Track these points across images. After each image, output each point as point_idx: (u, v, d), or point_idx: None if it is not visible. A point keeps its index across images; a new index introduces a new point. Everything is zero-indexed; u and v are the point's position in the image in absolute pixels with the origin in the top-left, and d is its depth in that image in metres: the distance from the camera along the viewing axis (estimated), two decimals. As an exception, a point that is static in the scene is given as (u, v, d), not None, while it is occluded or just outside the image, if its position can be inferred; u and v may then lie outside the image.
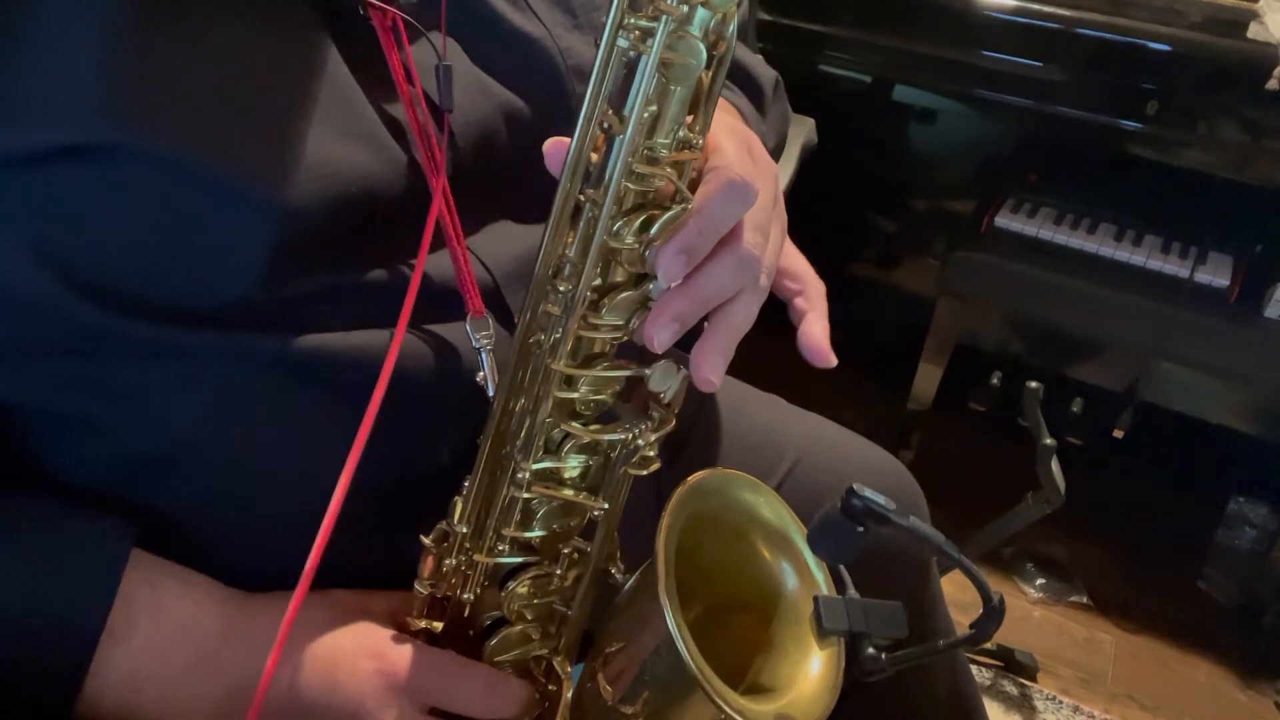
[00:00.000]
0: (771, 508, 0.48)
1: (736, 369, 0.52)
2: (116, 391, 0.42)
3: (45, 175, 0.39)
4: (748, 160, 0.47)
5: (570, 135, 0.42)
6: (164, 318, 0.41)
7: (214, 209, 0.41)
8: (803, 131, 1.38)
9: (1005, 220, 1.51)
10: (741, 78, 0.68)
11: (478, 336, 0.47)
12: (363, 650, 0.45)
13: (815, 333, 0.54)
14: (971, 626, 0.46)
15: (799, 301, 0.57)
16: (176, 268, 0.41)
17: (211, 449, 0.44)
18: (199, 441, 0.44)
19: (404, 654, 0.46)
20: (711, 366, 0.45)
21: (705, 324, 0.46)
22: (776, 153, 0.67)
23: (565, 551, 0.48)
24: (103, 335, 0.41)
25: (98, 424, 0.43)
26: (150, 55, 0.39)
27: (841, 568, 0.47)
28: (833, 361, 0.54)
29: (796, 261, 0.60)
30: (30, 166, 0.38)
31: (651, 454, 0.45)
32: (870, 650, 0.45)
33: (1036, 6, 1.42)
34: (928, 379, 1.64)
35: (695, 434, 0.70)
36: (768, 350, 0.48)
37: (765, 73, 0.70)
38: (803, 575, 0.47)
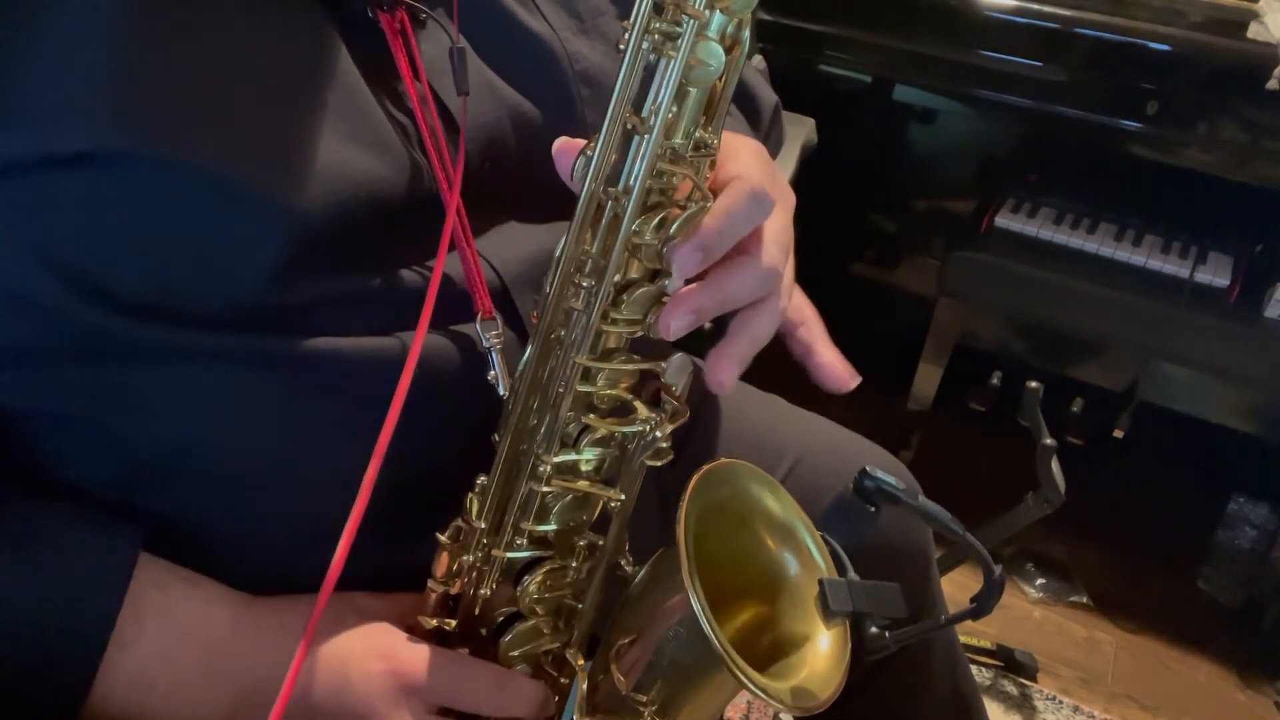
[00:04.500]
0: (775, 497, 0.49)
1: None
2: (124, 396, 0.42)
3: (55, 182, 0.39)
4: (768, 174, 0.48)
5: (576, 137, 0.43)
6: (173, 322, 0.41)
7: (224, 214, 0.41)
8: (803, 131, 1.38)
9: (1005, 220, 1.51)
10: (743, 99, 0.68)
11: (487, 336, 0.47)
12: (373, 651, 0.46)
13: (831, 359, 0.54)
14: (972, 600, 0.48)
15: (801, 332, 0.56)
16: (186, 272, 0.41)
17: (219, 453, 0.44)
18: (207, 446, 0.44)
19: (414, 654, 0.46)
20: (726, 371, 0.46)
21: (706, 329, 0.47)
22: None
23: (580, 545, 0.49)
24: (111, 340, 0.41)
25: (106, 429, 0.43)
26: (159, 61, 0.39)
27: (841, 551, 0.48)
28: (855, 381, 0.54)
29: (795, 293, 0.60)
30: (40, 173, 0.39)
31: (666, 445, 0.46)
32: (874, 629, 0.46)
33: (1036, 6, 1.42)
34: (928, 379, 1.64)
35: (696, 434, 0.70)
36: (767, 350, 0.48)
37: (766, 97, 0.71)
38: (805, 561, 0.48)
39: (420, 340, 0.43)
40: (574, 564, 0.49)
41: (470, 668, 0.48)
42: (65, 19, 0.38)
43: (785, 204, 0.51)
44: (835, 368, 0.54)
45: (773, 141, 0.72)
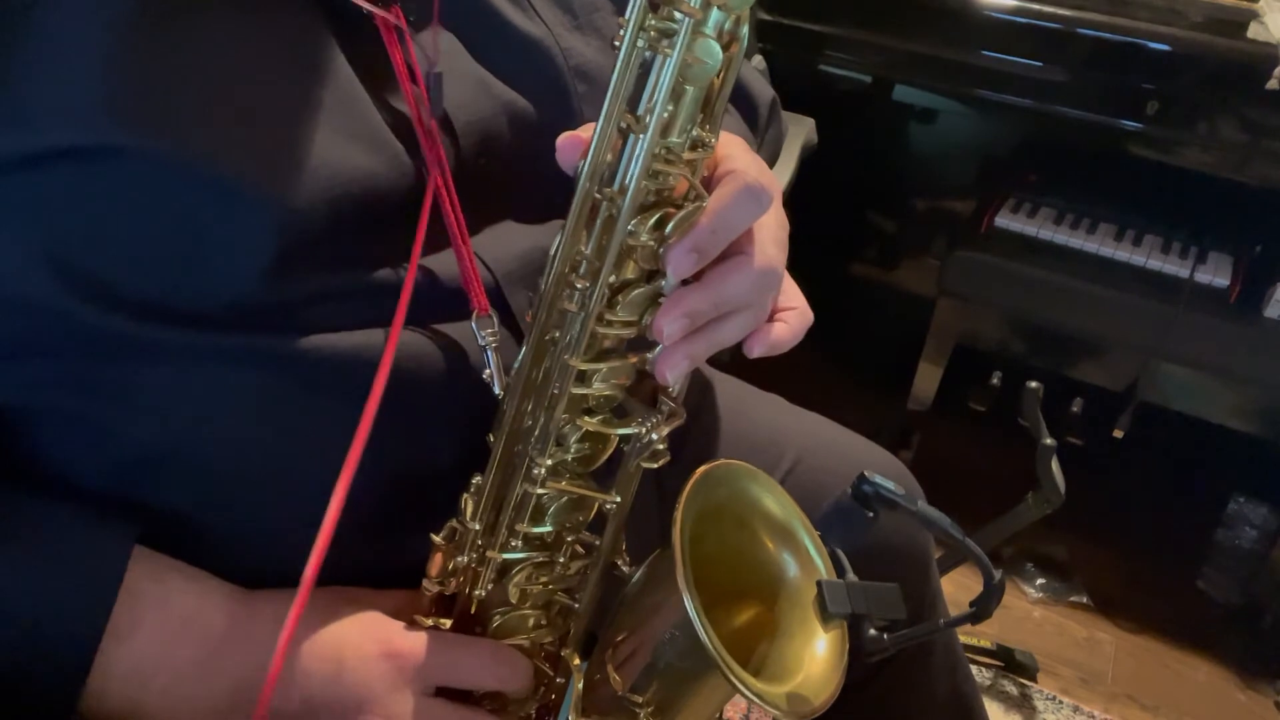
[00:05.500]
0: (774, 498, 0.48)
1: (737, 369, 0.52)
2: (119, 392, 0.42)
3: (49, 177, 0.39)
4: (757, 168, 0.47)
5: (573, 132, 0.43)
6: (166, 319, 0.41)
7: (217, 211, 0.41)
8: (803, 131, 1.38)
9: (1005, 220, 1.51)
10: (738, 97, 0.68)
11: (483, 334, 0.47)
12: (368, 637, 0.46)
13: (775, 330, 0.50)
14: (972, 604, 0.48)
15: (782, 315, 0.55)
16: (178, 269, 0.41)
17: (215, 449, 0.44)
18: (202, 441, 0.44)
19: (410, 639, 0.46)
20: (674, 365, 0.44)
21: None
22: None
23: (574, 545, 0.49)
24: (104, 336, 0.41)
25: (100, 424, 0.43)
26: (154, 57, 0.39)
27: (840, 553, 0.48)
28: (756, 354, 0.51)
29: (790, 288, 0.59)
30: (34, 168, 0.39)
31: (662, 447, 0.46)
32: (872, 631, 0.46)
33: (1036, 6, 1.42)
34: (928, 379, 1.64)
35: (696, 434, 0.70)
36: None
37: (762, 92, 0.70)
38: (804, 562, 0.48)
39: (395, 337, 0.43)
40: (562, 559, 0.48)
41: (464, 644, 0.48)
42: (60, 15, 0.38)
43: (774, 197, 0.50)
44: (767, 335, 0.50)
45: (771, 137, 0.72)
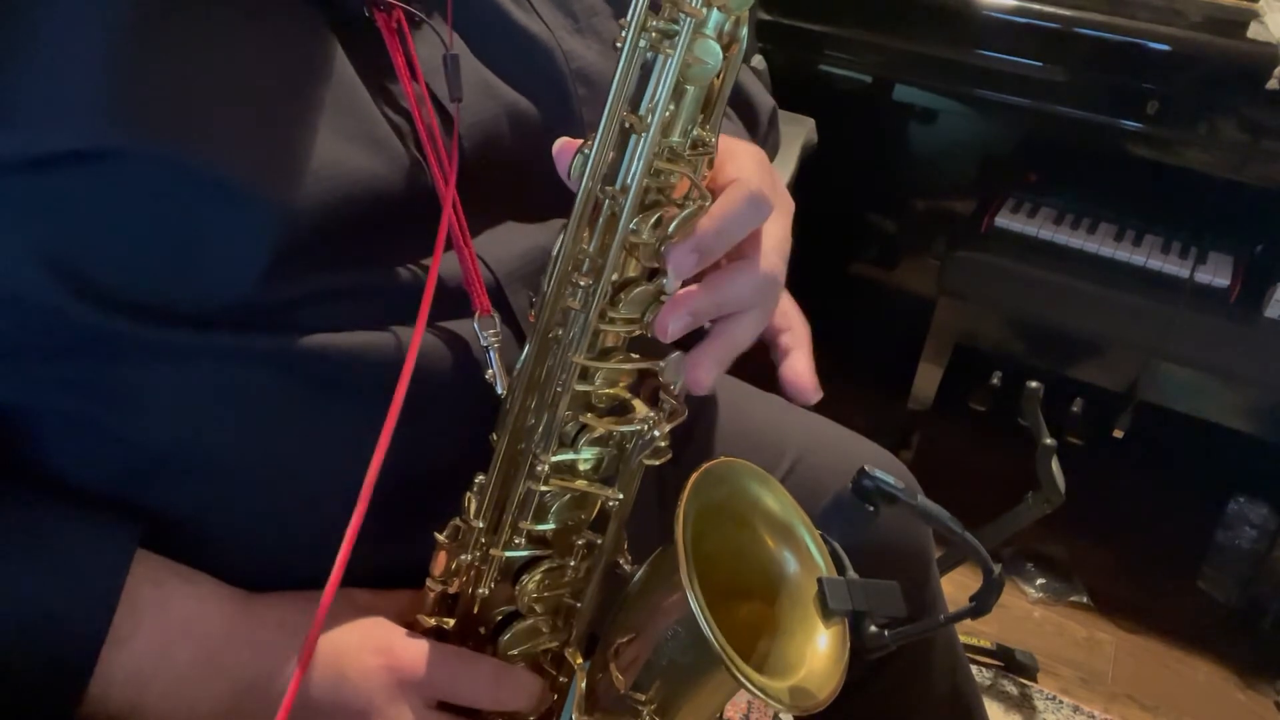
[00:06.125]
0: (774, 496, 0.48)
1: (737, 369, 0.52)
2: (119, 393, 0.42)
3: (50, 179, 0.39)
4: (767, 179, 0.48)
5: (574, 135, 0.43)
6: (167, 320, 0.41)
7: (217, 212, 0.41)
8: (803, 131, 1.38)
9: (1005, 220, 1.51)
10: (740, 105, 0.68)
11: (485, 335, 0.47)
12: (370, 646, 0.45)
13: (800, 369, 0.55)
14: (972, 599, 0.48)
15: (784, 339, 0.57)
16: (179, 270, 0.41)
17: (215, 450, 0.44)
18: (202, 443, 0.44)
19: (412, 649, 0.46)
20: (706, 371, 0.46)
21: (707, 330, 0.48)
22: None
23: (578, 543, 0.49)
24: (106, 337, 0.41)
25: (101, 425, 0.43)
26: (154, 59, 0.39)
27: (840, 550, 0.48)
28: (816, 397, 0.55)
29: (784, 300, 0.60)
30: (35, 171, 0.38)
31: (664, 444, 0.46)
32: (873, 628, 0.46)
33: (1036, 6, 1.42)
34: (928, 379, 1.64)
35: (696, 433, 0.70)
36: (768, 350, 0.49)
37: (763, 101, 0.71)
38: (804, 560, 0.48)
39: (418, 340, 0.43)
40: (572, 563, 0.49)
41: (468, 661, 0.48)
42: (59, 18, 0.38)
43: (784, 211, 0.51)
44: (801, 379, 0.55)
45: (769, 146, 0.72)
